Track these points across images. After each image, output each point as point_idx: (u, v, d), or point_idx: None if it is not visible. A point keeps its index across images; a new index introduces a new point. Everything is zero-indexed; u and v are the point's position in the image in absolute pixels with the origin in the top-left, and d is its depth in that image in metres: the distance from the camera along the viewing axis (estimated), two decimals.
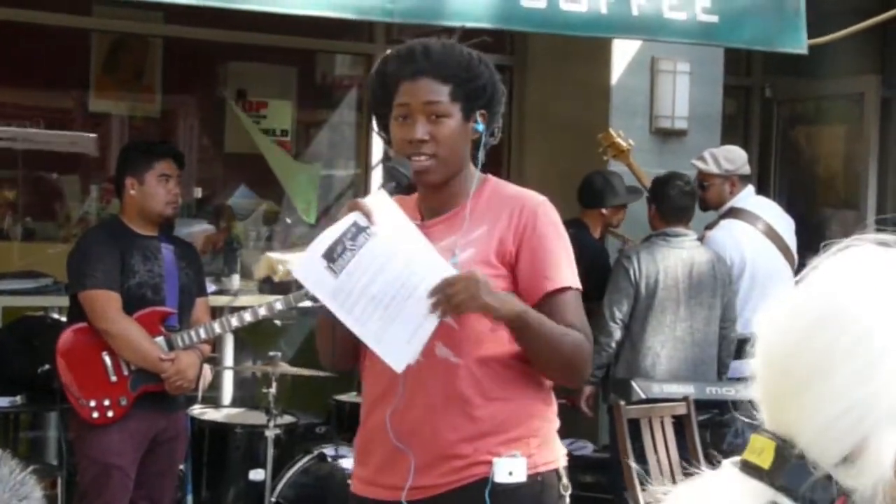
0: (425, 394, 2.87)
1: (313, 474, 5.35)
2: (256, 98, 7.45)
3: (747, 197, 6.08)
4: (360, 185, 7.56)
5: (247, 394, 6.95)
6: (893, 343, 1.30)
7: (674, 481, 4.98)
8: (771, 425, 1.37)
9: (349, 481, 3.12)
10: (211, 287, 5.75)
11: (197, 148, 7.77)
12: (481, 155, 2.99)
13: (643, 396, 5.28)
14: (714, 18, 5.05)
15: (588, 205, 6.13)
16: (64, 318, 5.35)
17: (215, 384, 6.39)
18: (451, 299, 2.71)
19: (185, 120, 7.94)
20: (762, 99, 8.59)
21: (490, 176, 3.04)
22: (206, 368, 5.19)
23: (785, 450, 1.33)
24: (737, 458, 1.39)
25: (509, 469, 2.83)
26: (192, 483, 5.55)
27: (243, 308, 5.13)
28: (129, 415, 4.73)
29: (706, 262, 5.59)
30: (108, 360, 4.73)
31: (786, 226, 6.15)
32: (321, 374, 5.23)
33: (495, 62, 3.11)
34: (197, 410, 5.64)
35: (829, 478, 1.30)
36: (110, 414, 4.71)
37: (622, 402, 5.13)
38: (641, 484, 4.99)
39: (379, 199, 2.83)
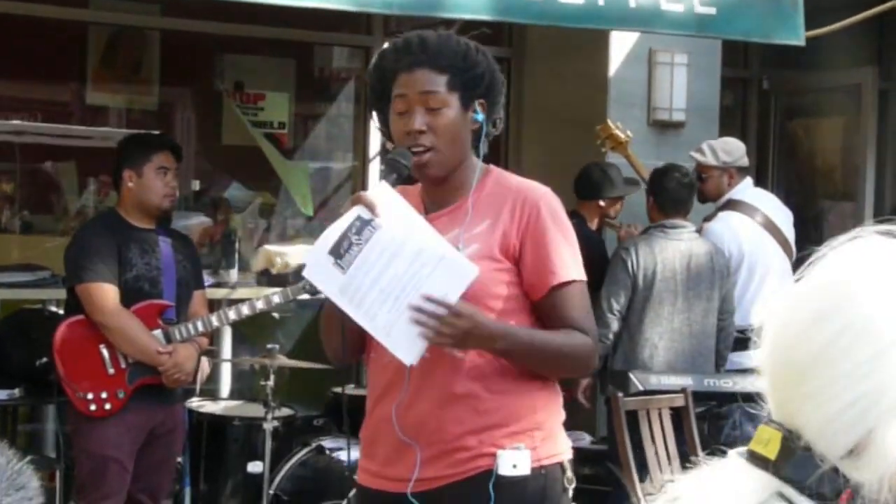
0: (430, 387, 2.87)
1: (311, 466, 5.35)
2: (254, 90, 7.44)
3: (745, 189, 6.08)
4: (357, 178, 7.56)
5: (245, 386, 6.95)
6: None
7: (671, 473, 4.99)
8: (777, 416, 1.37)
9: (355, 476, 3.12)
10: (209, 280, 5.75)
11: (194, 140, 7.76)
12: (484, 146, 2.99)
13: (641, 388, 5.28)
14: (711, 10, 5.05)
15: (585, 196, 6.13)
16: (62, 311, 5.35)
17: (213, 377, 6.39)
18: (442, 330, 2.73)
19: (182, 112, 7.93)
20: (759, 91, 8.59)
21: (493, 167, 3.03)
22: (204, 361, 5.19)
23: (791, 441, 1.33)
24: (743, 449, 1.39)
25: (513, 462, 2.84)
26: (191, 476, 5.55)
27: (241, 301, 5.13)
28: (126, 407, 4.73)
29: (704, 254, 5.59)
30: (105, 352, 4.73)
31: (784, 218, 6.15)
32: (319, 366, 5.24)
33: (493, 54, 3.10)
34: (195, 403, 5.65)
35: (835, 470, 1.30)
36: (108, 407, 4.71)
37: (620, 394, 5.13)
38: (639, 475, 5.00)
39: (382, 192, 2.82)
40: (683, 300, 5.52)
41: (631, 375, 5.32)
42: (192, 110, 7.92)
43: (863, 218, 7.64)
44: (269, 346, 5.31)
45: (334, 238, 2.76)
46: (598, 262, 5.70)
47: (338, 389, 5.85)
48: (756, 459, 1.36)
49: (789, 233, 6.10)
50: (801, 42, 5.23)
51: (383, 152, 7.20)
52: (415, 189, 3.04)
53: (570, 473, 2.95)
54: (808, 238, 6.69)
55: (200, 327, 4.87)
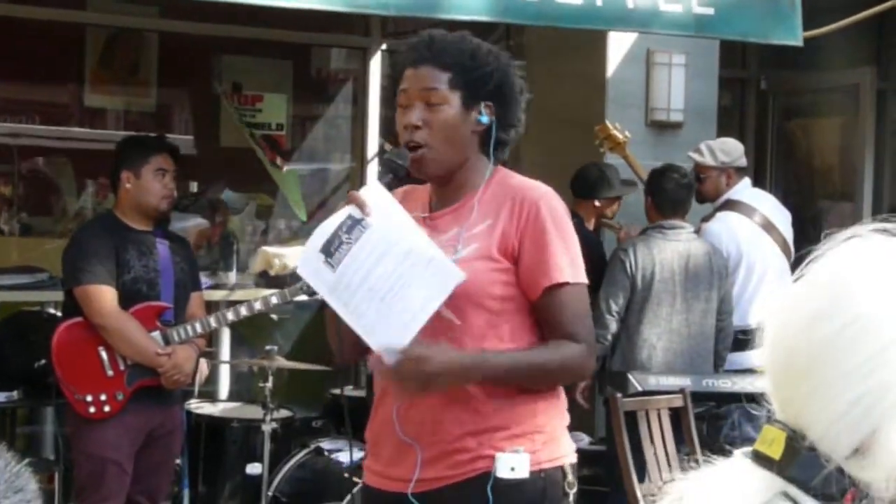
0: None
1: (310, 468, 5.35)
2: (252, 92, 7.44)
3: (744, 189, 6.08)
4: (355, 179, 7.56)
5: (243, 388, 6.95)
6: None
7: (670, 474, 4.99)
8: (782, 416, 1.37)
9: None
10: (208, 281, 5.75)
11: (192, 142, 7.76)
12: (503, 153, 3.00)
13: (639, 389, 5.28)
14: (709, 10, 5.05)
15: (581, 195, 6.11)
16: (60, 313, 5.35)
17: (212, 378, 6.39)
18: (401, 375, 2.75)
19: (180, 114, 7.93)
20: (757, 91, 8.60)
21: (501, 167, 3.02)
22: (203, 363, 5.19)
23: (795, 441, 1.32)
24: (748, 449, 1.39)
25: (511, 464, 2.82)
26: (189, 477, 5.54)
27: (239, 302, 5.13)
28: (125, 409, 4.72)
29: (703, 254, 5.59)
30: (104, 354, 4.73)
31: (782, 218, 6.14)
32: (318, 367, 5.24)
33: None
34: (194, 405, 5.64)
35: (840, 470, 1.30)
36: (107, 409, 4.70)
37: (619, 395, 5.13)
38: (638, 476, 5.00)
39: (375, 192, 2.83)
40: (682, 301, 5.51)
41: (629, 376, 5.32)
42: (190, 112, 7.92)
43: (861, 218, 7.57)
44: (267, 347, 5.31)
45: (325, 236, 2.78)
46: (597, 262, 5.70)
47: (336, 391, 5.86)
48: (760, 459, 1.36)
49: (787, 233, 6.10)
50: (799, 42, 5.23)
51: (381, 153, 7.20)
52: (424, 188, 3.05)
53: (571, 477, 2.93)
54: (807, 238, 6.66)
55: (199, 329, 4.87)
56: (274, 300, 4.97)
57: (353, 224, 2.77)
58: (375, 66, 7.45)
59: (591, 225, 6.16)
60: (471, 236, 2.88)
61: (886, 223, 1.37)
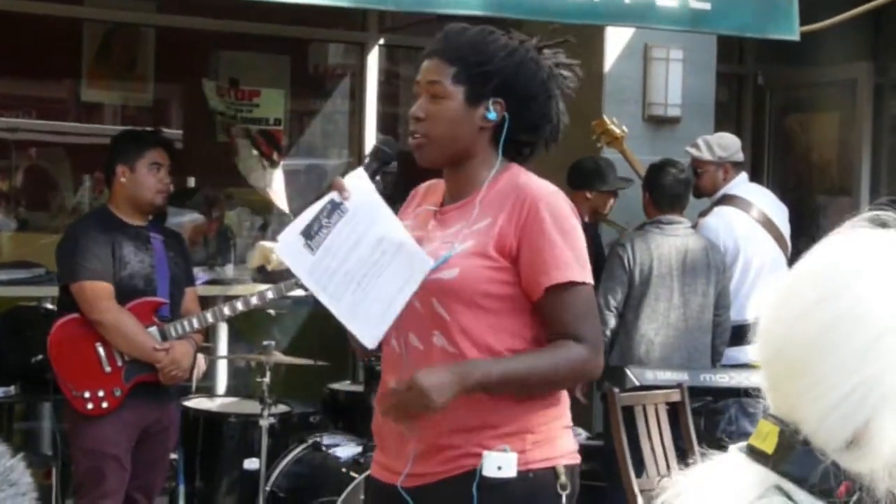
0: None
1: (307, 463, 5.35)
2: (249, 87, 7.43)
3: (741, 184, 6.08)
4: None
5: (241, 383, 6.95)
6: (894, 323, 1.29)
7: (668, 468, 4.99)
8: (776, 410, 1.37)
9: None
10: (205, 276, 5.75)
11: (189, 137, 7.75)
12: (531, 151, 3.01)
13: (637, 384, 5.28)
14: (706, 5, 5.05)
15: (574, 186, 6.09)
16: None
17: (209, 374, 6.39)
18: (405, 410, 2.75)
19: (177, 109, 7.92)
20: (755, 86, 8.59)
21: (513, 165, 2.97)
22: (200, 358, 5.19)
23: (789, 435, 1.33)
24: (743, 444, 1.39)
25: (498, 463, 2.79)
26: (187, 472, 5.54)
27: (236, 297, 5.13)
28: (123, 405, 4.71)
29: (700, 249, 5.59)
30: (101, 350, 4.72)
31: (779, 213, 6.15)
32: (315, 363, 5.24)
33: None
34: (191, 400, 5.64)
35: (834, 463, 1.30)
36: (105, 405, 4.70)
37: (616, 390, 5.13)
38: (635, 471, 5.00)
39: (357, 178, 2.87)
40: (679, 295, 5.52)
41: (627, 371, 5.32)
42: (187, 107, 7.92)
43: (859, 213, 7.63)
44: (265, 342, 5.31)
45: (307, 220, 2.81)
46: (591, 256, 5.69)
47: (334, 386, 5.86)
48: (755, 454, 1.36)
49: (785, 228, 6.10)
50: (796, 37, 5.23)
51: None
52: (442, 184, 3.04)
53: (563, 479, 2.86)
54: (804, 233, 6.71)
55: (196, 324, 4.86)
56: (269, 295, 4.97)
57: (333, 209, 2.81)
58: (373, 61, 7.44)
59: (584, 218, 6.14)
60: (470, 233, 2.87)
61: (881, 211, 1.37)
